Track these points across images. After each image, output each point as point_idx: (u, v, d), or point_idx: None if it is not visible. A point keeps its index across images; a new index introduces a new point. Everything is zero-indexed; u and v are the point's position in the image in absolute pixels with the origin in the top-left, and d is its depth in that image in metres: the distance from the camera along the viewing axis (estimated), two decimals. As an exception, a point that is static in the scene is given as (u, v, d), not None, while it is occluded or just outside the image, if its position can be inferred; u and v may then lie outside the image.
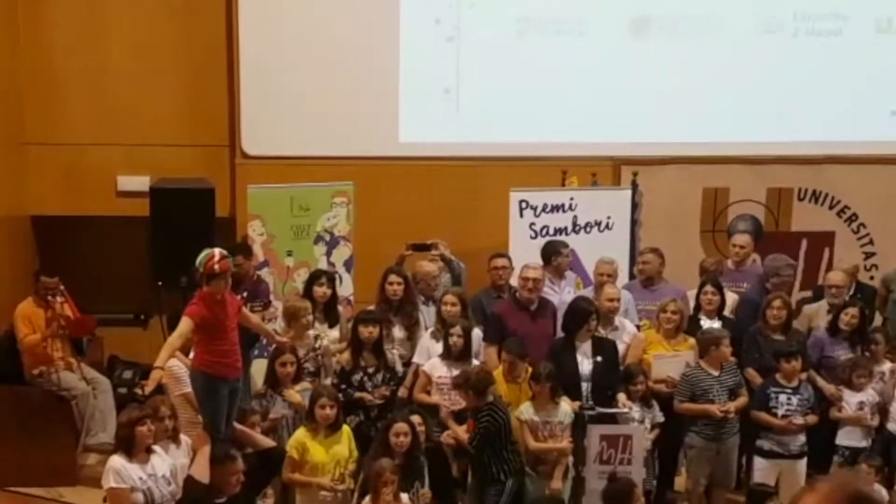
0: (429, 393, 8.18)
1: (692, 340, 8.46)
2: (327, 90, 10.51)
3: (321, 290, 8.62)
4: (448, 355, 8.16)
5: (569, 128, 10.60)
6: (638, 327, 8.92)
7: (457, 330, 8.14)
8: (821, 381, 8.54)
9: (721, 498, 8.47)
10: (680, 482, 8.53)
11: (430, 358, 8.30)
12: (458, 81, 10.69)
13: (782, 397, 8.18)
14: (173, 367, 7.32)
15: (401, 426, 7.32)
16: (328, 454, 7.32)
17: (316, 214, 9.81)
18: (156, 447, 6.60)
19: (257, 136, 10.53)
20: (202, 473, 5.85)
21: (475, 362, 8.20)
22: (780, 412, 8.16)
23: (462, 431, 7.69)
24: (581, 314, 8.24)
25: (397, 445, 7.25)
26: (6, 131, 9.95)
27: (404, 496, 7.15)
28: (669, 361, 8.46)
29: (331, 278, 8.84)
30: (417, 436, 7.47)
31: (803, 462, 8.20)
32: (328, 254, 9.86)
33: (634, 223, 10.06)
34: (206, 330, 6.03)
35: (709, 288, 8.85)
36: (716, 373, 8.20)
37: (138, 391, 9.28)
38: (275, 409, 7.68)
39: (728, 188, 10.93)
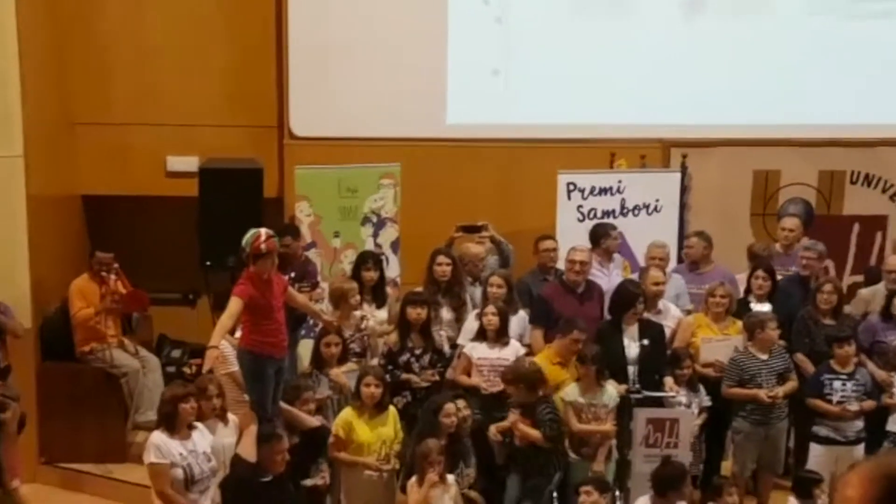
0: (469, 375, 8.17)
1: (741, 324, 8.38)
2: (375, 71, 10.49)
3: (369, 275, 8.63)
4: (483, 336, 8.13)
5: (618, 109, 10.51)
6: (689, 312, 8.85)
7: (490, 309, 8.12)
8: (871, 367, 8.44)
9: (768, 483, 8.42)
10: (727, 467, 8.47)
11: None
12: (506, 62, 10.64)
13: (836, 383, 8.10)
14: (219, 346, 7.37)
15: (450, 407, 7.33)
16: (374, 434, 7.36)
17: (363, 196, 9.81)
18: (198, 424, 6.67)
19: (305, 117, 10.53)
20: (249, 452, 5.90)
21: (514, 343, 8.18)
22: (835, 398, 8.08)
23: (533, 432, 7.60)
24: (628, 297, 8.20)
25: (447, 427, 7.26)
26: (57, 112, 10.03)
27: (450, 477, 7.17)
28: (717, 345, 8.40)
29: (377, 261, 8.85)
30: (465, 418, 7.48)
31: (860, 448, 8.11)
32: (375, 235, 9.86)
33: (683, 206, 9.98)
34: (253, 310, 6.07)
35: (760, 273, 8.76)
36: (764, 357, 8.13)
37: (187, 370, 9.39)
38: (320, 390, 7.72)
39: (779, 171, 10.79)
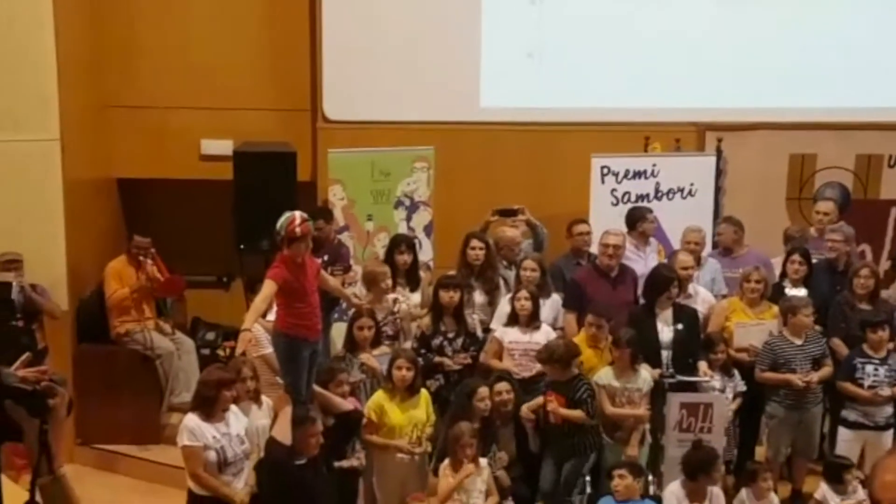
0: (500, 359, 8.17)
1: (776, 309, 8.33)
2: (409, 55, 10.48)
3: (402, 258, 8.64)
4: (515, 320, 8.12)
5: (652, 92, 10.44)
6: (724, 296, 8.81)
7: (523, 294, 8.10)
8: (906, 352, 8.37)
9: (803, 468, 8.38)
10: (761, 452, 8.43)
11: (509, 322, 8.28)
12: (540, 45, 10.58)
13: (869, 368, 8.04)
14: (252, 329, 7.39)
15: (484, 391, 7.33)
16: (405, 417, 7.37)
17: (396, 179, 9.81)
18: (232, 406, 6.70)
19: (339, 101, 10.53)
20: (284, 434, 5.91)
21: (546, 327, 8.17)
22: (867, 383, 8.02)
23: (574, 412, 7.60)
24: (662, 281, 8.16)
25: (481, 410, 7.26)
26: (93, 95, 10.09)
27: (483, 460, 7.17)
28: (752, 330, 8.36)
29: (410, 244, 8.85)
30: (505, 402, 7.47)
31: (889, 434, 8.06)
32: (408, 219, 9.87)
33: (718, 190, 9.92)
34: (287, 293, 6.08)
35: (796, 257, 8.70)
36: (799, 342, 8.08)
37: (220, 352, 9.45)
38: (353, 373, 7.73)
39: (815, 155, 10.69)
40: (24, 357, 2.68)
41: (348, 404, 6.74)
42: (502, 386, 7.58)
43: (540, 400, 7.76)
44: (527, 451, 7.74)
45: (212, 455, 6.43)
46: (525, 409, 7.71)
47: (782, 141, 10.61)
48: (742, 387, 8.18)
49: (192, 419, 6.51)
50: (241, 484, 6.50)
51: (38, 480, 2.51)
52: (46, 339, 8.64)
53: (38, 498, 2.50)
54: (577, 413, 7.54)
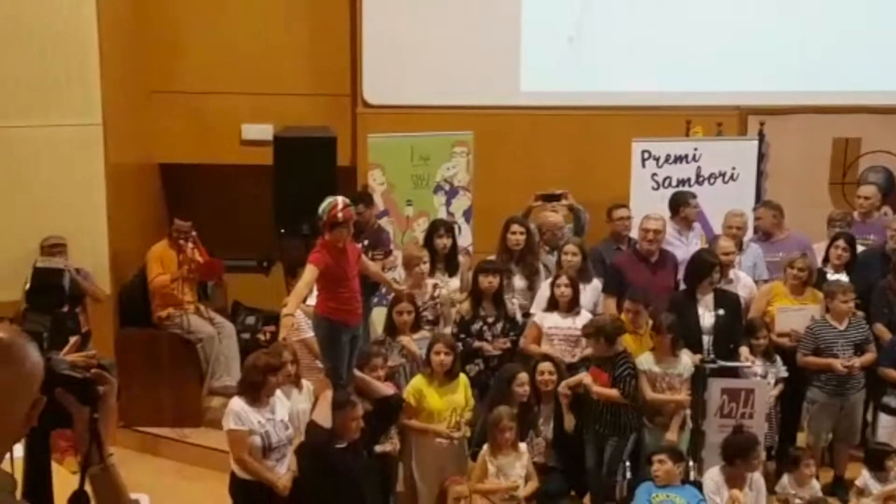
0: (539, 344, 8.15)
1: (819, 294, 8.27)
2: (449, 39, 10.46)
3: (441, 242, 8.63)
4: (555, 305, 8.10)
5: (694, 76, 10.38)
6: (766, 281, 8.75)
7: (563, 280, 8.08)
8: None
9: (845, 454, 8.31)
10: (802, 438, 8.38)
11: (549, 308, 8.26)
12: (580, 29, 10.53)
13: (912, 354, 7.97)
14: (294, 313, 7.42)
15: (523, 376, 7.33)
16: (444, 401, 7.38)
17: (436, 164, 9.80)
18: (277, 391, 6.73)
19: (379, 86, 10.54)
20: (324, 418, 5.94)
21: (585, 313, 8.15)
22: (910, 369, 7.96)
23: (610, 390, 7.59)
24: (704, 267, 8.11)
25: (520, 395, 7.26)
26: (135, 80, 10.15)
27: (522, 445, 7.18)
28: (794, 315, 8.29)
29: (449, 228, 8.84)
30: (547, 382, 7.45)
31: (931, 420, 7.99)
32: (447, 203, 9.86)
33: (760, 174, 9.84)
34: (328, 277, 6.10)
35: (840, 242, 8.63)
36: (841, 327, 8.02)
37: (261, 336, 9.49)
38: (393, 357, 7.75)
39: (859, 139, 10.59)
40: (73, 340, 2.69)
41: (388, 389, 6.75)
42: (546, 366, 7.58)
43: (580, 377, 7.75)
44: (563, 430, 7.73)
45: (257, 440, 6.48)
46: (563, 385, 7.68)
47: (826, 124, 10.52)
48: (784, 372, 8.12)
49: (237, 403, 6.55)
50: (283, 469, 6.55)
51: (88, 469, 2.51)
52: (89, 322, 8.71)
53: (86, 486, 2.51)
54: (611, 392, 7.51)
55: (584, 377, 7.63)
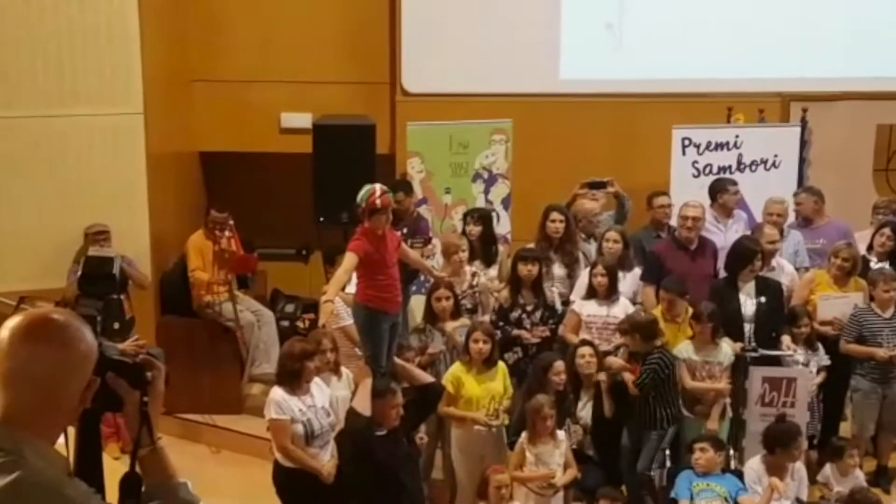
0: (577, 333, 8.12)
1: (863, 283, 8.19)
2: (488, 27, 10.44)
3: (468, 229, 8.61)
4: (592, 293, 8.07)
5: (735, 62, 10.29)
6: (807, 269, 8.69)
7: (599, 270, 8.05)
8: None
9: (888, 444, 8.26)
10: (845, 428, 8.31)
11: (589, 296, 8.23)
12: (620, 15, 10.48)
13: (957, 343, 7.88)
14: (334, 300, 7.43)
15: (560, 365, 7.31)
16: (482, 389, 7.37)
17: (474, 152, 9.79)
18: (316, 379, 6.76)
19: (417, 74, 10.54)
20: (364, 406, 5.95)
21: (624, 300, 8.12)
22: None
23: (628, 374, 7.58)
24: (746, 254, 8.05)
25: (556, 384, 7.24)
26: (175, 69, 10.20)
27: (560, 433, 7.16)
28: (836, 302, 8.21)
29: (481, 217, 8.78)
30: (589, 363, 7.45)
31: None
32: (486, 191, 9.85)
33: (803, 161, 9.76)
34: (368, 265, 6.09)
35: (886, 231, 8.54)
36: (886, 315, 7.95)
37: (300, 324, 9.52)
38: (433, 345, 7.76)
39: (903, 125, 10.49)
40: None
41: (429, 377, 6.75)
42: (585, 350, 7.55)
43: (621, 362, 7.72)
44: (602, 418, 7.71)
45: (299, 428, 6.49)
46: (609, 359, 7.64)
47: (869, 111, 10.42)
48: (826, 361, 8.05)
49: (278, 392, 6.57)
50: (327, 456, 6.57)
51: (139, 452, 2.56)
52: (133, 309, 8.78)
53: (137, 469, 2.55)
54: (628, 375, 7.50)
55: (617, 367, 7.60)
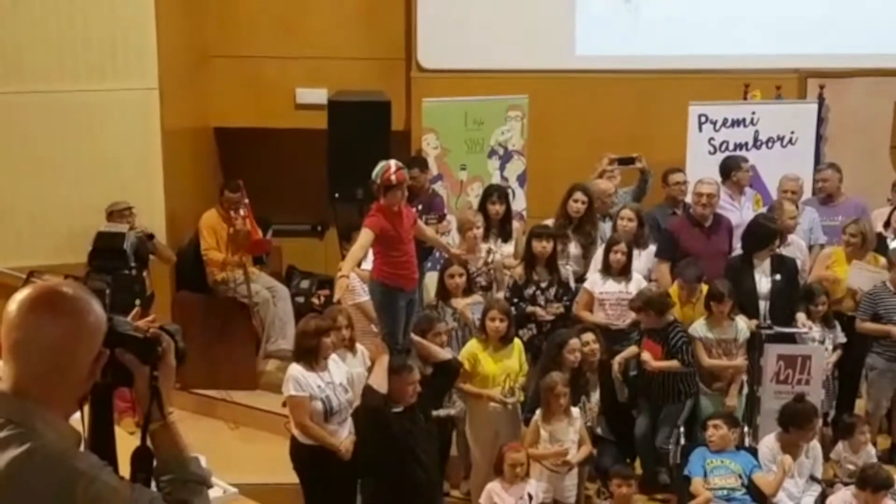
0: (591, 310, 8.11)
1: (882, 259, 8.17)
2: (504, 3, 10.40)
3: (494, 208, 8.59)
4: (608, 271, 8.06)
5: (752, 38, 10.22)
6: (822, 245, 8.66)
7: (621, 247, 8.03)
8: None
9: (903, 423, 8.23)
10: (860, 405, 8.30)
11: (603, 274, 8.21)
12: (637, -9, 10.42)
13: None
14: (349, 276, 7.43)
15: (575, 342, 7.30)
16: (498, 366, 7.37)
17: (490, 128, 9.75)
18: (333, 355, 6.77)
19: (433, 50, 10.50)
20: (380, 383, 5.95)
21: (637, 277, 8.11)
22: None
23: (669, 363, 7.55)
24: (767, 234, 8.01)
25: (571, 362, 7.24)
26: (190, 45, 10.18)
27: (574, 410, 7.16)
28: (867, 274, 8.16)
29: (503, 195, 8.78)
30: (593, 351, 7.45)
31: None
32: (501, 168, 9.82)
33: (820, 138, 9.71)
34: (384, 241, 6.09)
35: (904, 208, 8.52)
36: (903, 294, 7.92)
37: (315, 300, 9.52)
38: (445, 322, 7.75)
39: (922, 102, 10.40)
40: (134, 311, 2.74)
41: (447, 353, 6.75)
42: (588, 336, 7.54)
43: (632, 350, 7.74)
44: (614, 401, 7.70)
45: (318, 405, 6.50)
46: (616, 363, 7.65)
47: (887, 87, 10.35)
48: (842, 338, 8.04)
49: (296, 369, 6.58)
50: (345, 433, 6.58)
51: (150, 426, 2.56)
52: (153, 285, 8.81)
53: (148, 443, 2.56)
54: (672, 363, 7.51)
55: (643, 354, 7.58)
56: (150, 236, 8.76)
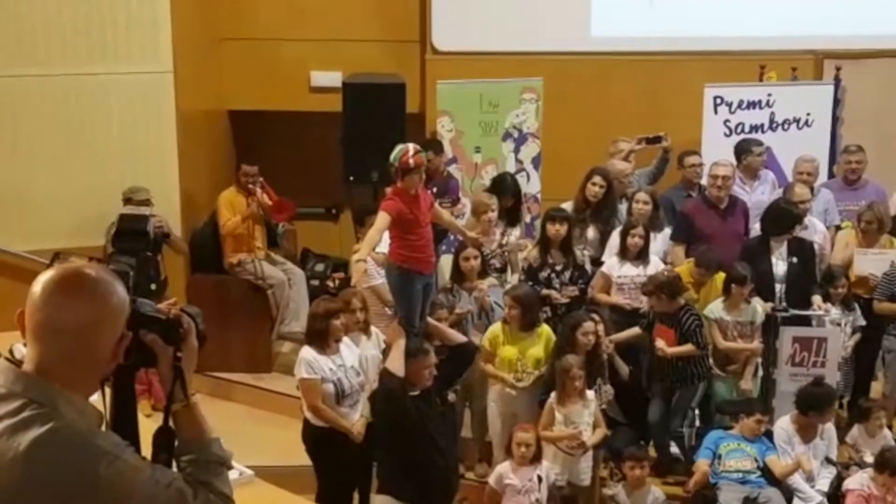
0: (608, 293, 8.11)
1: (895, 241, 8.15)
2: (518, -16, 10.36)
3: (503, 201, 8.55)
4: (625, 255, 8.04)
5: (768, 20, 10.16)
6: (838, 227, 8.63)
7: (638, 231, 8.01)
8: None
9: (921, 404, 8.21)
10: (877, 389, 8.28)
11: (620, 257, 8.20)
12: (651, -28, 10.37)
13: None
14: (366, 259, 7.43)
15: (589, 325, 7.29)
16: (515, 351, 7.39)
17: (505, 111, 9.73)
18: (345, 338, 6.78)
19: (448, 32, 10.46)
20: (397, 366, 5.96)
21: (655, 259, 8.09)
22: None
23: (684, 347, 7.54)
24: (789, 219, 7.98)
25: (584, 344, 7.24)
26: (204, 28, 10.17)
27: (589, 392, 7.16)
28: (873, 258, 8.14)
29: (508, 187, 8.72)
30: (600, 335, 7.45)
31: None
32: (516, 150, 9.80)
33: (836, 120, 9.66)
34: (400, 225, 6.08)
35: (922, 191, 8.49)
36: (921, 276, 7.90)
37: (330, 283, 9.54)
38: (460, 304, 7.76)
39: (939, 83, 10.32)
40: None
41: (462, 336, 6.76)
42: (589, 326, 7.50)
43: (633, 331, 7.72)
44: (624, 384, 7.70)
45: (329, 388, 6.54)
46: (607, 343, 7.61)
47: (904, 69, 10.26)
48: (862, 321, 8.02)
49: (308, 352, 6.61)
50: (357, 415, 6.62)
51: (173, 407, 2.58)
52: (166, 269, 8.83)
53: (171, 424, 2.58)
54: (687, 347, 7.50)
55: (656, 341, 7.56)
56: (166, 235, 8.77)
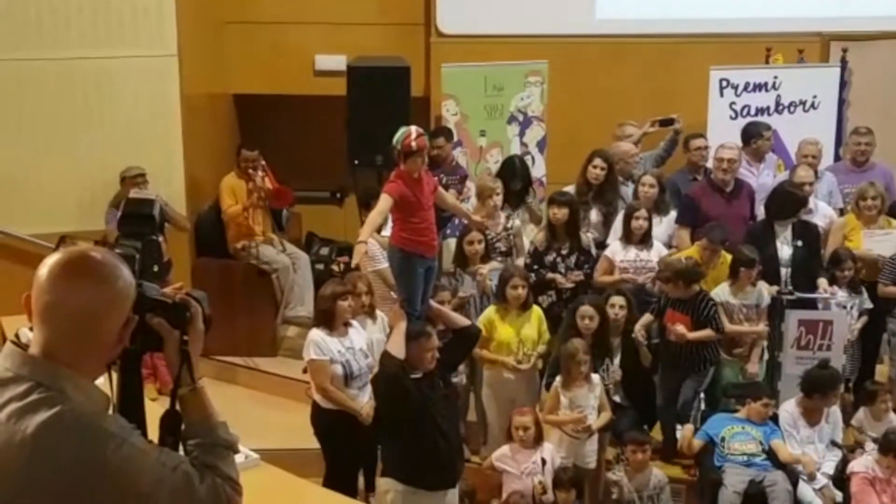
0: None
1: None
2: (523, -34, 10.32)
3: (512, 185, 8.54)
4: (629, 239, 8.03)
5: (774, 2, 10.14)
6: (842, 210, 8.61)
7: (642, 213, 8.00)
8: None
9: (925, 387, 8.20)
10: (882, 371, 8.27)
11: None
12: (658, -46, 10.33)
13: None
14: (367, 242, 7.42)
15: (586, 309, 7.29)
16: (514, 333, 7.39)
17: (509, 94, 9.72)
18: (353, 321, 6.79)
19: (452, 15, 10.42)
20: (398, 349, 5.95)
21: (657, 244, 8.08)
22: None
23: (703, 332, 7.53)
24: (795, 202, 7.97)
25: (583, 329, 7.24)
26: (210, 11, 10.15)
27: (594, 376, 7.16)
28: (881, 239, 8.12)
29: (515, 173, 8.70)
30: (608, 318, 7.43)
31: None
32: (521, 134, 9.79)
33: (842, 103, 9.63)
34: (403, 208, 6.06)
35: (927, 174, 8.46)
36: (925, 259, 7.88)
37: (335, 267, 9.54)
38: (463, 288, 7.76)
39: (947, 65, 10.28)
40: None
41: (465, 319, 6.76)
42: (617, 300, 7.53)
43: (645, 318, 7.70)
44: (636, 367, 7.69)
45: (338, 369, 6.57)
46: (639, 328, 7.62)
47: (911, 51, 10.23)
48: (868, 304, 8.01)
49: (316, 333, 6.64)
50: (365, 398, 6.62)
51: (179, 391, 2.58)
52: (169, 251, 8.82)
53: (178, 407, 2.59)
54: (705, 332, 7.47)
55: (675, 326, 7.53)
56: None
